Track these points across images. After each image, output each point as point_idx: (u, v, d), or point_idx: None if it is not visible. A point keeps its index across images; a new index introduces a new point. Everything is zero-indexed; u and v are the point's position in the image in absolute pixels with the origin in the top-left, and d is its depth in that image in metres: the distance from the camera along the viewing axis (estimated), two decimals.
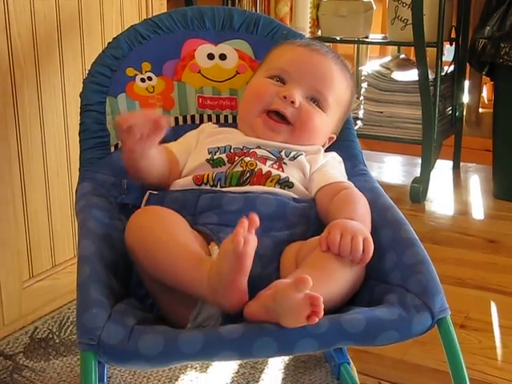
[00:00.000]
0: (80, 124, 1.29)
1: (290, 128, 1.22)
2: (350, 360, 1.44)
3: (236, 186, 1.14)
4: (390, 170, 3.07)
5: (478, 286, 1.91)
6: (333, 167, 1.22)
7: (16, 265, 1.59)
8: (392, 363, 1.53)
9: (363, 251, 0.98)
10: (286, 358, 1.52)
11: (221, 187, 1.14)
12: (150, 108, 1.12)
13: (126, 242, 1.03)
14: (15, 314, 1.61)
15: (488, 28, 2.47)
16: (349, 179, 1.22)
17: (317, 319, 0.86)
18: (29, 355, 1.53)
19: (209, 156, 1.20)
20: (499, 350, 1.59)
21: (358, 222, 1.03)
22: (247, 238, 0.87)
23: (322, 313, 0.86)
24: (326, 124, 1.25)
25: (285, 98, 1.20)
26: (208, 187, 1.14)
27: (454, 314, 1.68)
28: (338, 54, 1.30)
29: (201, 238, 1.07)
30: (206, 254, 1.02)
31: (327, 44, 2.75)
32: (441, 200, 2.62)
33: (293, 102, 1.20)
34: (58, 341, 1.59)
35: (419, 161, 2.61)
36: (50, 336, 1.60)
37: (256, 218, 0.89)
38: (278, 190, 1.14)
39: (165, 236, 0.99)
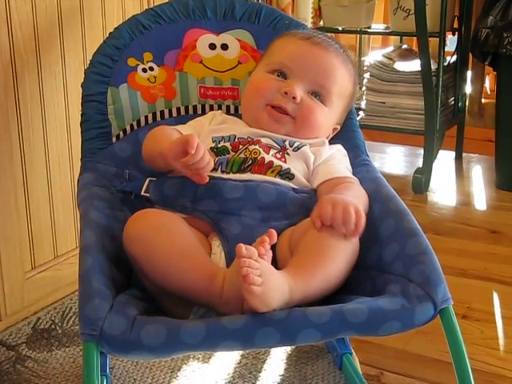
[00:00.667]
0: (81, 114, 1.29)
1: (293, 121, 1.22)
2: (352, 350, 1.44)
3: (237, 172, 1.14)
4: (393, 160, 3.06)
5: (480, 276, 1.91)
6: (339, 162, 1.22)
7: (18, 256, 1.60)
8: (394, 353, 1.53)
9: (355, 223, 0.98)
10: (288, 349, 1.52)
11: (221, 172, 1.14)
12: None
13: (127, 251, 1.01)
14: (18, 304, 1.61)
15: (491, 18, 2.46)
16: (352, 169, 1.22)
17: (257, 288, 0.86)
18: (31, 346, 1.53)
19: (213, 144, 1.20)
20: (501, 341, 1.59)
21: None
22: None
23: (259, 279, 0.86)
24: (328, 118, 1.25)
25: (286, 93, 1.20)
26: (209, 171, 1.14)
27: (456, 304, 1.67)
28: (340, 45, 1.29)
29: (200, 234, 1.07)
30: (207, 252, 1.03)
31: (329, 34, 2.77)
32: (443, 191, 2.62)
33: (294, 98, 1.20)
34: (60, 331, 1.59)
35: (421, 151, 2.60)
36: (53, 327, 1.60)
37: (273, 235, 0.90)
38: (278, 180, 1.14)
39: (173, 249, 0.98)
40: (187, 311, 0.98)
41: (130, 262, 1.02)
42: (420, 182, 2.54)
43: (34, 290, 1.65)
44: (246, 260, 0.87)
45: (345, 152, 1.27)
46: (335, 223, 0.98)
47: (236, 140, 1.20)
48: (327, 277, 0.96)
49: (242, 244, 0.88)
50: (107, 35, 1.33)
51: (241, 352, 1.50)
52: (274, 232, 0.91)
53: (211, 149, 1.19)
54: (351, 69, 1.28)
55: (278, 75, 1.23)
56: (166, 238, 0.99)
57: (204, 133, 1.23)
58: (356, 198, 1.06)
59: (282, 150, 1.19)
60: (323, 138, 1.25)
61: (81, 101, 1.29)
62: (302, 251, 0.99)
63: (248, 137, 1.20)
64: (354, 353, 1.43)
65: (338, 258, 0.99)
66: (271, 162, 1.15)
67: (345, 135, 1.32)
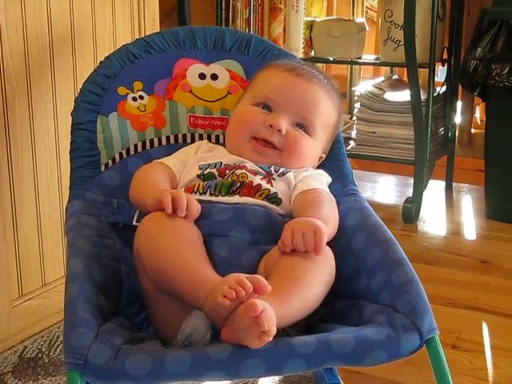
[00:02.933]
0: (71, 143, 1.29)
1: (278, 152, 1.23)
2: (341, 380, 1.43)
3: (226, 195, 1.15)
4: (383, 189, 3.07)
5: (469, 306, 1.91)
6: (314, 179, 1.23)
7: (5, 283, 1.59)
8: None
9: (315, 244, 1.00)
10: (276, 378, 1.51)
11: (210, 195, 1.15)
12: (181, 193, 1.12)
13: (134, 245, 1.06)
14: (4, 333, 1.60)
15: (479, 49, 2.48)
16: (338, 199, 1.22)
17: (268, 338, 0.87)
18: (17, 375, 1.52)
19: (199, 172, 1.21)
20: (490, 371, 1.58)
21: (317, 218, 1.04)
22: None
23: (273, 331, 0.87)
24: (314, 148, 1.26)
25: (271, 126, 1.21)
26: (198, 195, 1.15)
27: (446, 334, 1.70)
28: (324, 75, 1.30)
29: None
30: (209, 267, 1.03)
31: (320, 65, 2.80)
32: (433, 220, 2.62)
33: (279, 131, 1.21)
34: (47, 360, 1.58)
35: (412, 181, 2.61)
36: (40, 355, 1.59)
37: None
38: (267, 203, 1.14)
39: (172, 249, 1.00)
40: (177, 324, 0.99)
41: (134, 257, 1.06)
42: (410, 211, 2.55)
43: (20, 318, 1.63)
44: (267, 313, 0.87)
45: (326, 175, 1.27)
46: (297, 248, 1.01)
47: (222, 166, 1.21)
48: (304, 302, 0.97)
49: (255, 301, 0.87)
50: (98, 64, 1.34)
51: (228, 381, 1.49)
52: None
53: (198, 176, 1.20)
54: (335, 98, 1.29)
55: (262, 107, 1.25)
56: (168, 238, 1.02)
57: (190, 162, 1.24)
58: (323, 216, 1.08)
59: (268, 175, 1.20)
60: (309, 167, 1.26)
61: (70, 129, 1.30)
62: (278, 275, 0.99)
63: (234, 163, 1.21)
64: (342, 383, 1.43)
65: (314, 282, 0.99)
66: (259, 185, 1.16)
67: (333, 165, 1.32)
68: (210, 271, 1.00)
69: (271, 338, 0.87)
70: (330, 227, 1.10)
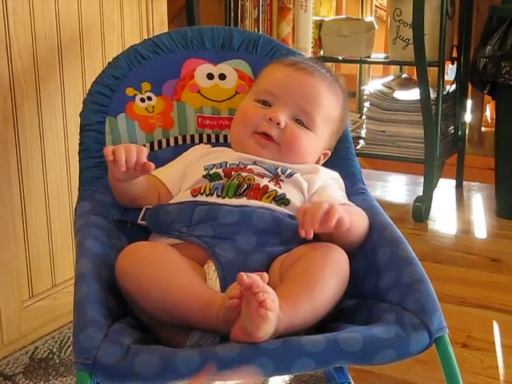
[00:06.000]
0: (79, 144, 1.30)
1: (278, 147, 1.23)
2: (351, 380, 1.42)
3: (233, 197, 1.14)
4: (393, 188, 3.06)
5: (480, 305, 1.90)
6: (335, 191, 1.22)
7: (16, 284, 1.59)
8: (393, 383, 1.52)
9: (328, 219, 1.00)
10: (286, 378, 1.51)
11: (217, 196, 1.15)
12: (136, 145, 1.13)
13: (120, 286, 1.02)
14: (15, 333, 1.61)
15: (489, 47, 2.47)
16: (347, 198, 1.22)
17: (266, 313, 0.86)
18: (28, 375, 1.53)
19: (205, 172, 1.21)
20: (501, 370, 1.58)
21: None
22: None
23: (271, 305, 0.86)
24: (314, 143, 1.25)
25: (270, 120, 1.21)
26: (204, 197, 1.15)
27: (457, 333, 1.69)
28: (327, 70, 1.30)
29: (193, 262, 1.07)
30: (202, 278, 1.03)
31: (329, 64, 2.80)
32: (444, 219, 2.62)
33: (278, 124, 1.21)
34: (58, 361, 1.58)
35: (422, 180, 2.60)
36: (50, 356, 1.60)
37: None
38: (273, 206, 1.14)
39: (168, 283, 0.97)
40: (185, 339, 0.98)
41: (124, 296, 1.02)
42: (420, 210, 2.54)
43: (31, 319, 1.64)
44: (260, 284, 0.87)
45: (341, 181, 1.27)
46: (306, 226, 1.00)
47: (228, 166, 1.21)
48: (314, 308, 0.96)
49: (242, 273, 0.88)
50: (106, 65, 1.35)
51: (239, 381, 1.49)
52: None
53: (204, 176, 1.20)
54: (339, 93, 1.29)
55: (263, 103, 1.25)
56: (159, 272, 0.99)
57: (192, 165, 1.25)
58: (349, 210, 1.07)
59: (275, 177, 1.19)
60: (312, 162, 1.26)
61: (79, 130, 1.30)
62: (290, 280, 0.99)
63: (239, 162, 1.21)
64: (352, 382, 1.42)
65: (325, 290, 0.98)
66: (266, 187, 1.16)
67: (341, 163, 1.32)
68: (211, 290, 1.00)
69: (271, 314, 0.86)
70: (353, 216, 1.08)
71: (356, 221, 1.09)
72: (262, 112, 1.23)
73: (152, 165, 1.10)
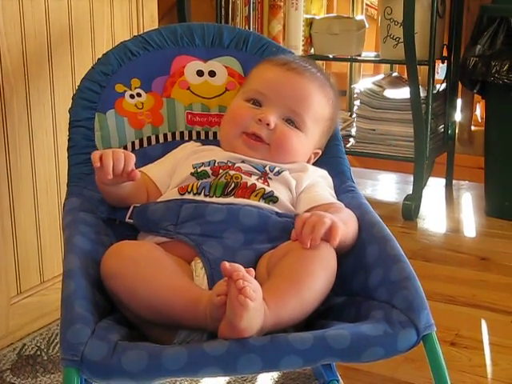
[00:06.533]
0: (68, 140, 1.29)
1: (267, 147, 1.23)
2: (340, 377, 1.43)
3: (220, 196, 1.14)
4: (383, 187, 3.07)
5: (469, 303, 1.91)
6: (323, 188, 1.22)
7: (3, 281, 1.59)
8: (382, 381, 1.52)
9: (332, 235, 1.00)
10: (275, 375, 1.51)
11: (205, 195, 1.14)
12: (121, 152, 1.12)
13: (106, 287, 1.01)
14: (2, 330, 1.60)
15: (479, 46, 2.48)
16: (336, 196, 1.22)
17: (246, 301, 0.85)
18: (16, 372, 1.52)
19: (193, 170, 1.20)
20: (489, 368, 1.58)
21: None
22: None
23: (251, 293, 0.86)
24: (304, 143, 1.25)
25: (260, 120, 1.21)
26: (191, 195, 1.15)
27: (445, 331, 1.70)
28: (318, 69, 1.30)
29: (179, 259, 1.07)
30: (189, 275, 1.03)
31: (320, 62, 2.80)
32: (433, 217, 2.62)
33: (268, 125, 1.21)
34: (45, 358, 1.58)
35: (412, 178, 2.61)
36: (38, 353, 1.59)
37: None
38: (261, 203, 1.14)
39: (154, 282, 0.97)
40: (172, 337, 0.98)
41: (110, 295, 1.01)
42: (410, 208, 2.54)
43: (19, 316, 1.63)
44: (241, 272, 0.87)
45: (330, 179, 1.27)
46: (304, 240, 0.99)
47: (216, 164, 1.21)
48: (301, 304, 0.96)
49: (225, 261, 0.88)
50: (96, 61, 1.34)
51: (227, 378, 1.49)
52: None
53: (192, 174, 1.19)
54: (329, 92, 1.29)
55: (253, 103, 1.25)
56: (145, 271, 0.98)
57: (181, 162, 1.24)
58: (344, 219, 1.07)
59: (264, 175, 1.19)
60: (302, 162, 1.26)
61: (68, 126, 1.30)
62: (277, 276, 0.98)
63: (228, 161, 1.21)
64: (341, 380, 1.42)
65: (314, 285, 0.98)
66: (254, 185, 1.16)
67: (330, 161, 1.32)
68: (197, 287, 1.00)
69: (251, 303, 0.85)
70: (349, 227, 1.08)
71: (352, 231, 1.10)
72: (252, 112, 1.23)
73: (138, 173, 1.11)
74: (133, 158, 1.11)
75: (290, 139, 1.23)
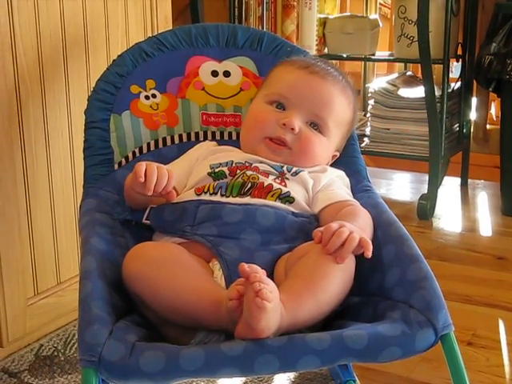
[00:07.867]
0: (84, 141, 1.30)
1: (290, 152, 1.22)
2: (356, 377, 1.42)
3: (237, 196, 1.14)
4: (398, 186, 3.06)
5: (485, 302, 1.90)
6: (339, 187, 1.22)
7: (21, 282, 1.59)
8: (398, 381, 1.52)
9: (365, 248, 0.99)
10: (291, 376, 1.51)
11: (221, 195, 1.14)
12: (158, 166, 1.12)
13: (128, 288, 1.01)
14: (20, 331, 1.61)
15: (494, 44, 2.46)
16: (352, 195, 1.22)
17: (263, 303, 0.85)
18: (34, 373, 1.53)
19: (210, 170, 1.20)
20: (507, 368, 1.57)
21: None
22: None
23: (267, 294, 0.85)
24: (326, 147, 1.25)
25: (284, 125, 1.20)
26: (208, 196, 1.15)
27: (462, 331, 1.69)
28: (339, 72, 1.29)
29: (200, 259, 1.07)
30: (210, 276, 1.03)
31: (334, 62, 2.79)
32: (448, 217, 2.61)
33: (292, 129, 1.20)
34: (63, 358, 1.58)
35: (427, 178, 2.60)
36: (55, 353, 1.60)
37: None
38: (278, 204, 1.13)
39: (177, 284, 0.97)
40: (190, 337, 0.97)
41: (132, 297, 1.02)
42: (425, 208, 2.53)
43: (36, 317, 1.64)
44: (258, 274, 0.87)
45: (347, 180, 1.27)
46: (328, 249, 0.98)
47: (234, 165, 1.20)
48: (317, 305, 0.95)
49: (243, 263, 0.88)
50: (111, 62, 1.34)
51: (243, 378, 1.49)
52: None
53: (209, 174, 1.19)
54: (350, 96, 1.28)
55: (276, 106, 1.24)
56: (169, 272, 0.98)
57: (198, 163, 1.24)
58: (362, 226, 1.06)
59: (281, 175, 1.19)
60: (323, 165, 1.25)
61: (84, 127, 1.30)
62: (294, 277, 0.98)
63: (246, 161, 1.21)
64: (357, 380, 1.42)
65: (330, 288, 0.98)
66: (270, 186, 1.15)
67: (346, 161, 1.32)
68: (220, 288, 1.00)
69: (268, 305, 0.85)
70: (367, 233, 1.07)
71: (369, 236, 1.08)
72: (275, 116, 1.22)
73: (175, 194, 1.13)
74: (175, 177, 1.11)
75: (313, 144, 1.22)
